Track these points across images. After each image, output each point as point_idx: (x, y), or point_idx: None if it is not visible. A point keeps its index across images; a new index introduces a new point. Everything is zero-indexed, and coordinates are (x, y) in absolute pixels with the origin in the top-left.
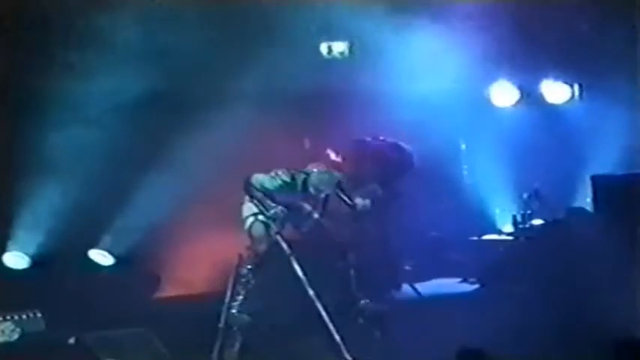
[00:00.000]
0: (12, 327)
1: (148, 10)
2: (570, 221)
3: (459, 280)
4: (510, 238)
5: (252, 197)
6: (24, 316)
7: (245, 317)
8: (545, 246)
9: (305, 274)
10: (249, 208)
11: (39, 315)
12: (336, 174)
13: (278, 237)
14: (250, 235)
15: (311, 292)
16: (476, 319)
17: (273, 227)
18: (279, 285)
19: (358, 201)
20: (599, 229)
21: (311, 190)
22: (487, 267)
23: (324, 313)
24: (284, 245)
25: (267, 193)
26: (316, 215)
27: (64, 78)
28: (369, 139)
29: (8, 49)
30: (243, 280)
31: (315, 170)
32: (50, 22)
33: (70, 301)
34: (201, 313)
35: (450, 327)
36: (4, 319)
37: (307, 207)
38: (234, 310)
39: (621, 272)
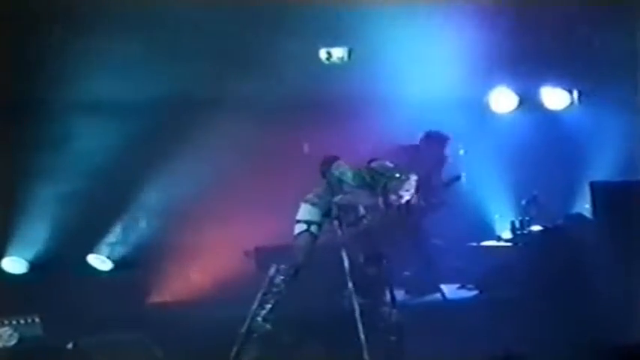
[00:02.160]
0: (10, 332)
1: (146, 16)
2: (569, 227)
3: (458, 286)
4: (509, 244)
5: (326, 180)
6: (22, 321)
7: (268, 326)
8: (544, 252)
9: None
10: (307, 211)
11: (37, 320)
12: (413, 177)
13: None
14: (295, 242)
15: (350, 285)
16: (475, 325)
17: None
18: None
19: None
20: (597, 235)
21: (391, 196)
22: (486, 273)
23: (357, 312)
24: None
25: (341, 184)
26: (366, 220)
27: (69, 83)
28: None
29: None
30: (275, 289)
31: (397, 175)
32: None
33: (68, 306)
34: (198, 319)
35: (449, 333)
36: (2, 324)
37: (362, 210)
38: (259, 318)
39: (620, 278)
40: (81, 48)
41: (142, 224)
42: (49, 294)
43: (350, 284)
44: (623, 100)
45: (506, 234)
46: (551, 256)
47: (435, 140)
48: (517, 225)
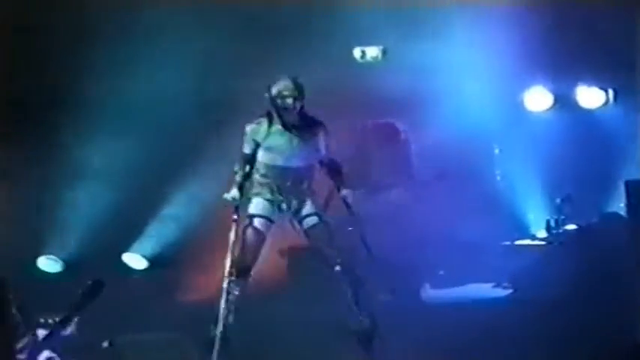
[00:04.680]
0: (46, 331)
1: (178, 14)
2: (603, 226)
3: (493, 284)
4: (543, 243)
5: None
6: (58, 320)
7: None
8: (579, 251)
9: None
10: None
11: (73, 319)
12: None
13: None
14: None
15: None
16: (509, 324)
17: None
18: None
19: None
20: (632, 234)
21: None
22: (520, 272)
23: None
24: None
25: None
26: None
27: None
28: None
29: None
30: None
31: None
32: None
33: (103, 304)
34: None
35: (482, 331)
36: (38, 323)
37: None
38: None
39: None
40: (117, 45)
41: (178, 222)
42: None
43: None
44: None
45: (541, 233)
46: (585, 254)
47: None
48: (552, 224)
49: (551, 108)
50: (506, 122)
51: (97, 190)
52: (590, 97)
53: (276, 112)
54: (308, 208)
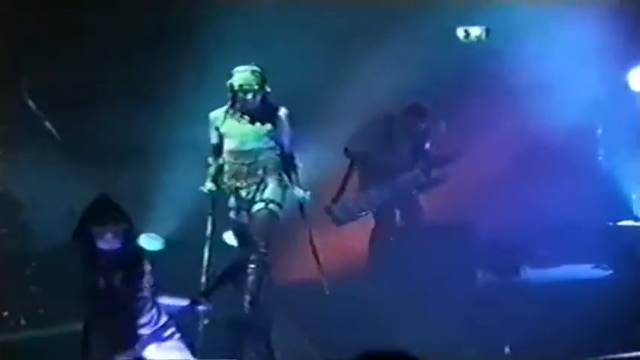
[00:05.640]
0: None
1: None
2: None
3: (592, 265)
4: None
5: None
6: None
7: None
8: None
9: None
10: None
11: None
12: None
13: None
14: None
15: None
16: (608, 305)
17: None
18: None
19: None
20: None
21: None
22: (621, 253)
23: None
24: None
25: None
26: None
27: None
28: None
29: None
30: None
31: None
32: None
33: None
34: (338, 297)
35: (580, 313)
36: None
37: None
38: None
39: None
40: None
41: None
42: (186, 271)
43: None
44: None
45: None
46: None
47: (413, 113)
48: None
49: None
50: (609, 102)
51: (200, 168)
52: None
53: (236, 101)
54: (262, 194)
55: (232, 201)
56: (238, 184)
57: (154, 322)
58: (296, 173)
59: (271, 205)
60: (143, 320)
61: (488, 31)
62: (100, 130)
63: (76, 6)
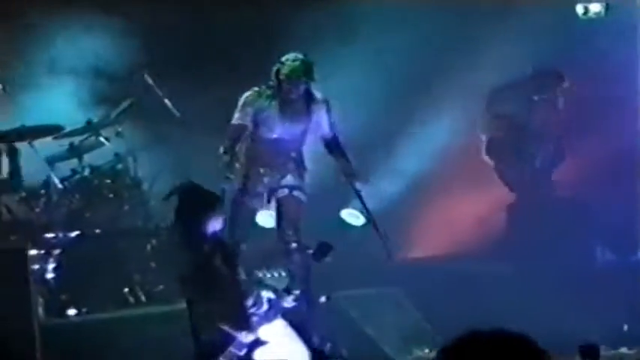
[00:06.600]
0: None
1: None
2: None
3: None
4: None
5: None
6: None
7: None
8: None
9: None
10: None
11: (283, 274)
12: None
13: None
14: None
15: None
16: None
17: None
18: None
19: None
20: None
21: None
22: None
23: None
24: None
25: None
26: None
27: None
28: None
29: None
30: None
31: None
32: None
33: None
34: (452, 274)
35: None
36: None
37: None
38: None
39: None
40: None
41: (398, 177)
42: (298, 248)
43: None
44: None
45: None
46: None
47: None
48: None
49: None
50: None
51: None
52: None
53: (280, 89)
54: (286, 180)
55: (253, 186)
56: (262, 170)
57: (259, 303)
58: (345, 157)
59: (294, 191)
60: (250, 302)
61: (607, 6)
62: (219, 106)
63: None
